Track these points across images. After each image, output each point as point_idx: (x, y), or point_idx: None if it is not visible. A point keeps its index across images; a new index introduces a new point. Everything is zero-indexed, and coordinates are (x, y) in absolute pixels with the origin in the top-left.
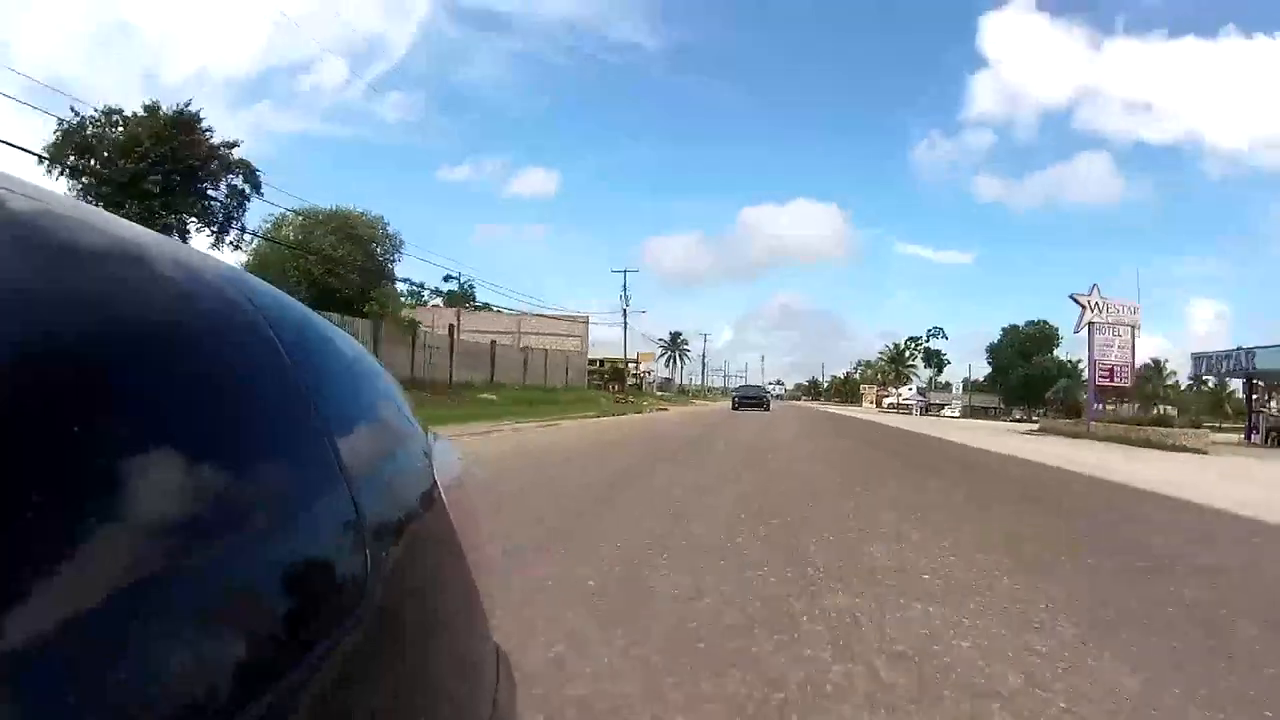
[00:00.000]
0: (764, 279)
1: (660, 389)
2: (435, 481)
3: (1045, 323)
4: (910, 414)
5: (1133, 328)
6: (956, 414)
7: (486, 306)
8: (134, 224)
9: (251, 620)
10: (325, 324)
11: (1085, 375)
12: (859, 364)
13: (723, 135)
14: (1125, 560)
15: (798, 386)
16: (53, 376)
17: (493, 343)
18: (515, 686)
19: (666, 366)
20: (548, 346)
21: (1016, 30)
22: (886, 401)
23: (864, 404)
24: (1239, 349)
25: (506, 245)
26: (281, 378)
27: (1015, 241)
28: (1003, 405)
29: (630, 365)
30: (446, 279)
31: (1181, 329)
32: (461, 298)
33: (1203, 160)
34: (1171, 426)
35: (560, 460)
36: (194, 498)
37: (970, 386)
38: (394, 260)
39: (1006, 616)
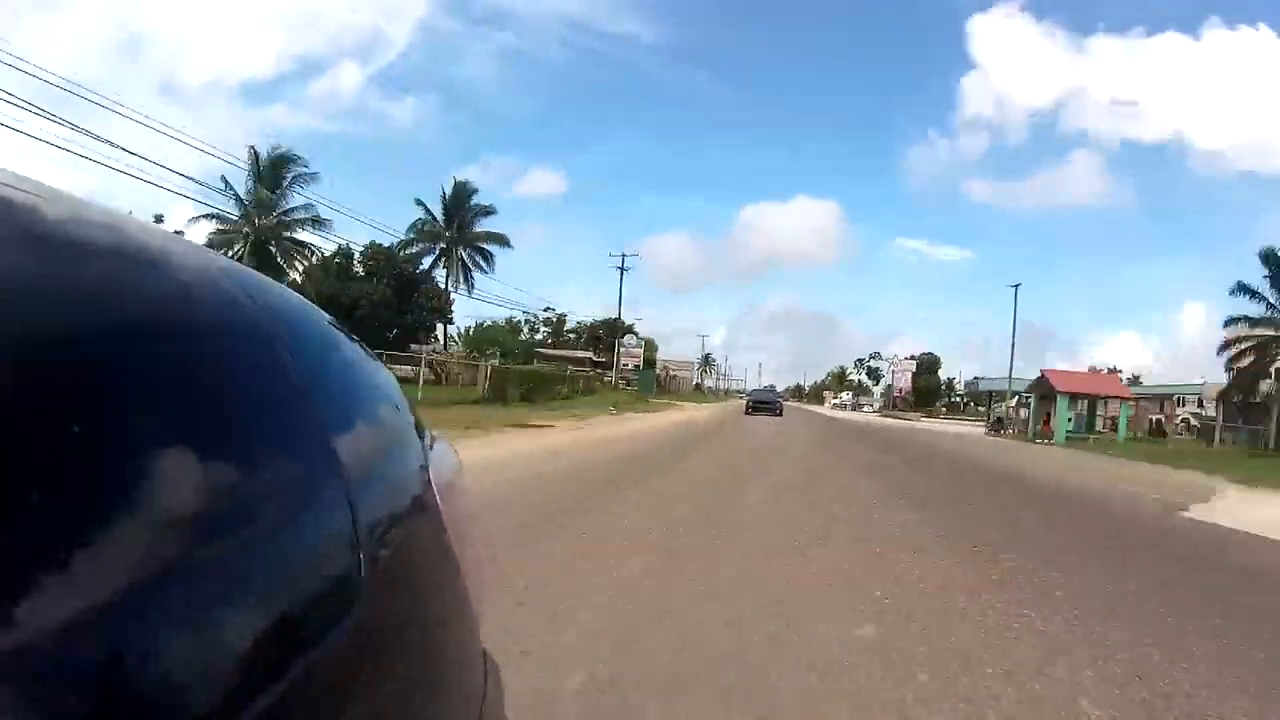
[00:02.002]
0: (761, 279)
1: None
2: (431, 484)
3: (931, 353)
4: (843, 409)
5: (910, 371)
6: (873, 410)
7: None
8: (137, 219)
9: (246, 620)
10: (328, 323)
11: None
12: (828, 374)
13: (724, 133)
14: (854, 436)
15: (786, 389)
16: (49, 374)
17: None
18: (502, 690)
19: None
20: (677, 373)
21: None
22: (833, 402)
23: (824, 404)
24: (975, 379)
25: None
26: (280, 376)
27: (1011, 241)
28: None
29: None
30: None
31: (1167, 330)
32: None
33: (1193, 160)
34: (930, 415)
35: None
36: (190, 496)
37: (888, 391)
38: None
39: (821, 438)
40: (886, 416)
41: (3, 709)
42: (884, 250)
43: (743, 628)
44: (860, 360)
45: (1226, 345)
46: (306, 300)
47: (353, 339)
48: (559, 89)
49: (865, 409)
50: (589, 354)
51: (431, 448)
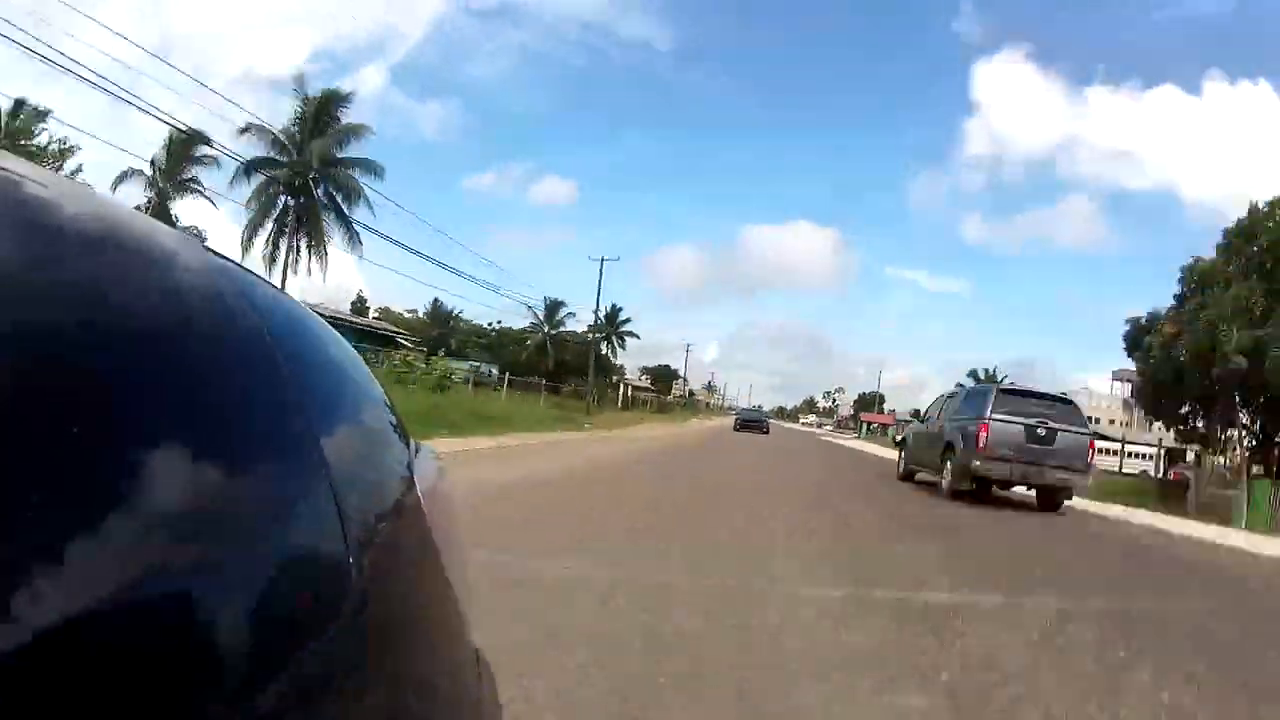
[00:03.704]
0: (757, 299)
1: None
2: (416, 487)
3: (879, 392)
4: (809, 427)
5: (852, 402)
6: (829, 429)
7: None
8: (124, 205)
9: (233, 622)
10: (319, 324)
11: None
12: (802, 401)
13: (728, 151)
14: (797, 435)
15: (771, 410)
16: (32, 373)
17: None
18: (496, 689)
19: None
20: (699, 398)
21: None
22: (803, 421)
23: (797, 423)
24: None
25: (520, 250)
26: (268, 375)
27: (1002, 276)
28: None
29: (706, 401)
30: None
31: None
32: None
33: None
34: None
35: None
36: (175, 496)
37: (836, 415)
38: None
39: (783, 436)
40: (833, 433)
41: (2, 709)
42: (878, 279)
43: (750, 442)
44: (828, 392)
45: None
46: (298, 300)
47: (344, 342)
48: (568, 100)
49: (824, 427)
50: (648, 384)
51: (416, 454)
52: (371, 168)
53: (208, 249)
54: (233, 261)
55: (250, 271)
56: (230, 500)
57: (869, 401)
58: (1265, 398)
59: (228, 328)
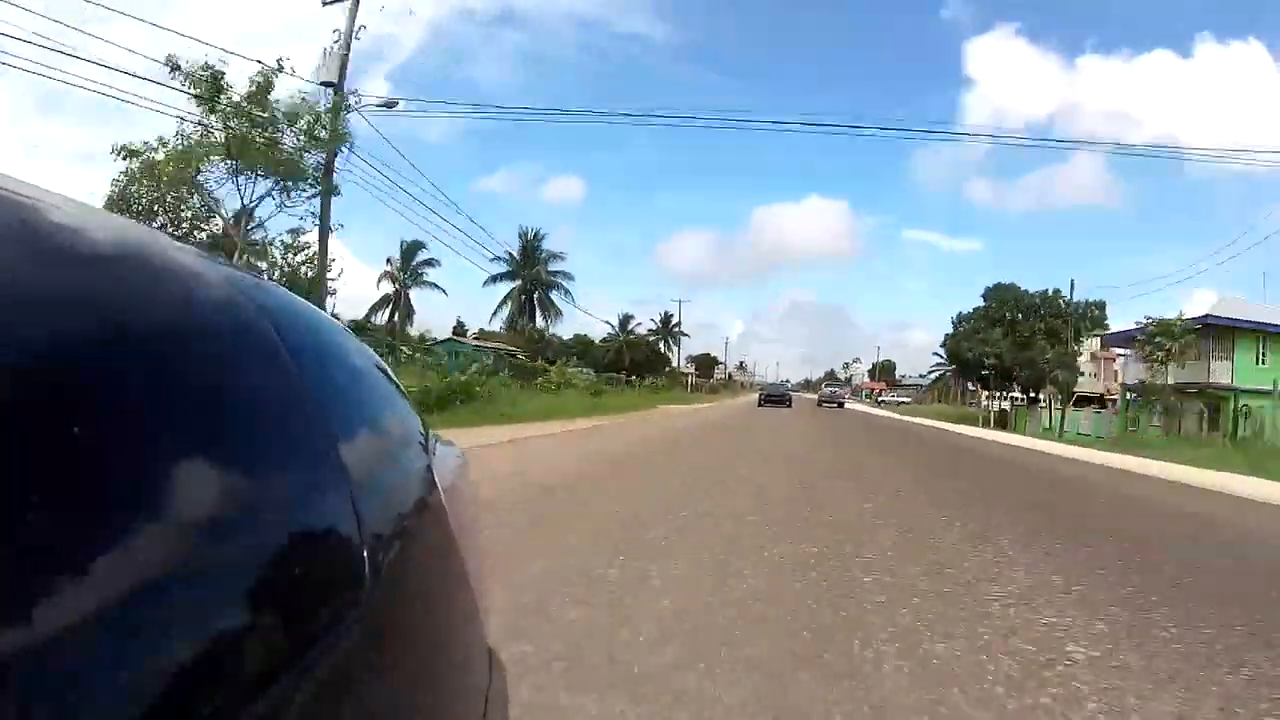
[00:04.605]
0: (776, 275)
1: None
2: (436, 486)
3: (890, 361)
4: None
5: (865, 374)
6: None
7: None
8: (137, 223)
9: (250, 621)
10: (335, 329)
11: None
12: (825, 373)
13: (737, 136)
14: (803, 404)
15: (796, 383)
16: (50, 379)
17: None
18: (506, 686)
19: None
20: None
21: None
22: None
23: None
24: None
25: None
26: (285, 381)
27: (1014, 236)
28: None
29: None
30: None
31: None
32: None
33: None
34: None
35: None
36: (192, 500)
37: (851, 384)
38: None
39: (803, 404)
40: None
41: (8, 712)
42: (894, 245)
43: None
44: (846, 364)
45: (930, 371)
46: (309, 303)
47: (358, 342)
48: (569, 98)
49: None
50: (692, 369)
51: (435, 449)
52: (567, 275)
53: (225, 262)
54: (251, 273)
55: (270, 282)
56: (244, 502)
57: (882, 369)
58: (992, 374)
59: (238, 335)
